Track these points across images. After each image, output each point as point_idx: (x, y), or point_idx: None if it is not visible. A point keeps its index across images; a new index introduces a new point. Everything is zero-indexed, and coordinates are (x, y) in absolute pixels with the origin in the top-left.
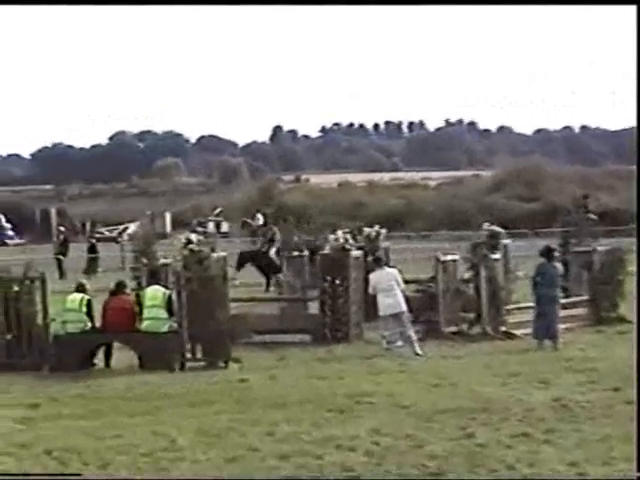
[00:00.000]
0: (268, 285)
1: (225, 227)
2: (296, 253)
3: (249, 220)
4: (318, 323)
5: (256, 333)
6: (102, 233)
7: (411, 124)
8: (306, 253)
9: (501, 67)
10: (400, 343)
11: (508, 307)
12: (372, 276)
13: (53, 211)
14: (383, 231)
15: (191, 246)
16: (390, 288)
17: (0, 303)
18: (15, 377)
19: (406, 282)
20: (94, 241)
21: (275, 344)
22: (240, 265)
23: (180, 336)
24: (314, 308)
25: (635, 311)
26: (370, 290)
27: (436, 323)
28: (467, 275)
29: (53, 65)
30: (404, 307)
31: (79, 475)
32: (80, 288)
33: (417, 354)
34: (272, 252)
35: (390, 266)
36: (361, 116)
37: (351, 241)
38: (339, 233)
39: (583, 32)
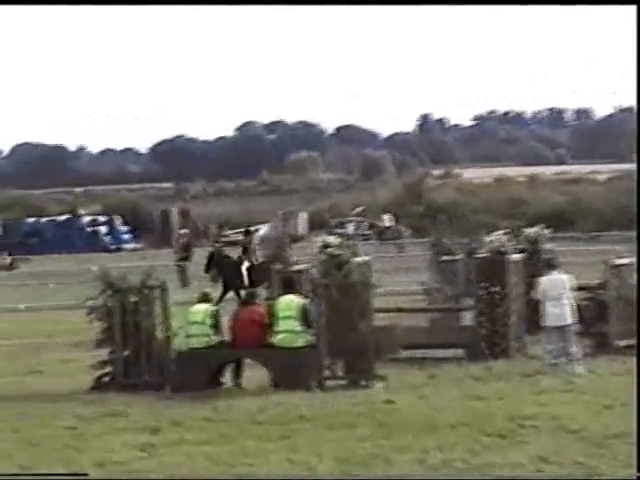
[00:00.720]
0: None
1: (366, 228)
2: (448, 257)
3: (376, 221)
4: (473, 336)
5: (403, 348)
6: (229, 236)
7: (577, 112)
8: (459, 257)
9: None
10: (564, 359)
11: None
12: (542, 280)
13: (174, 212)
14: (546, 232)
15: (329, 250)
16: (559, 297)
17: (116, 315)
18: (133, 398)
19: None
20: (220, 245)
21: (425, 360)
22: None
23: (318, 351)
24: (468, 319)
25: (635, 314)
26: (538, 296)
27: (606, 335)
28: None
29: (164, 51)
30: (571, 319)
31: (86, 475)
32: (205, 298)
33: (577, 374)
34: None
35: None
36: (518, 103)
37: (510, 243)
38: (496, 234)
39: (583, 32)
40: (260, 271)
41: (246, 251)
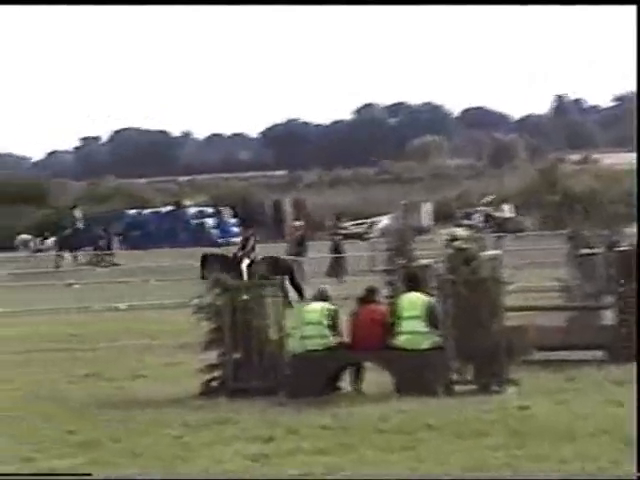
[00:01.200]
0: None
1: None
2: (586, 251)
3: (493, 212)
4: (615, 337)
5: (537, 349)
6: (347, 228)
7: None
8: (599, 251)
9: None
10: None
11: None
12: None
13: (287, 202)
14: None
15: (457, 243)
16: None
17: (226, 315)
18: (245, 404)
19: None
20: (338, 238)
21: (561, 362)
22: None
23: (445, 353)
24: (609, 318)
25: (635, 313)
26: None
27: None
28: None
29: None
30: None
31: (89, 475)
32: (322, 296)
33: None
34: None
35: None
36: None
37: None
38: None
39: (583, 32)
40: (262, 267)
41: (244, 247)
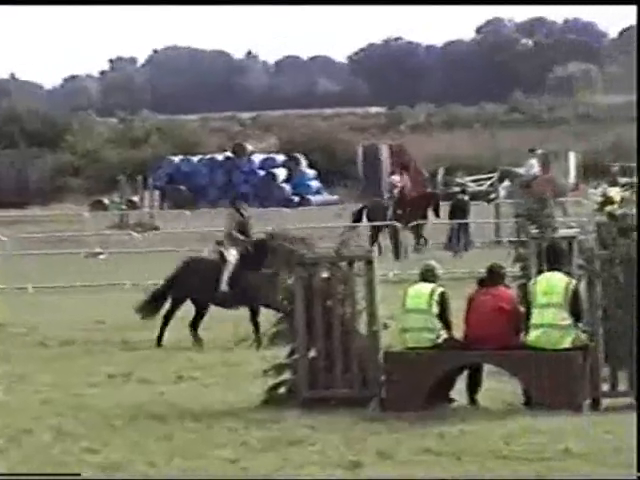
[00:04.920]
0: None
1: None
2: None
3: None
4: None
5: None
6: (465, 185)
7: None
8: None
9: None
10: None
11: None
12: None
13: (384, 149)
14: None
15: (610, 207)
16: None
17: (298, 300)
18: (324, 418)
19: None
20: (463, 197)
21: None
22: None
23: (593, 355)
24: None
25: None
26: None
27: None
28: None
29: None
30: None
31: (78, 475)
32: (428, 275)
33: None
34: None
35: None
36: None
37: None
38: None
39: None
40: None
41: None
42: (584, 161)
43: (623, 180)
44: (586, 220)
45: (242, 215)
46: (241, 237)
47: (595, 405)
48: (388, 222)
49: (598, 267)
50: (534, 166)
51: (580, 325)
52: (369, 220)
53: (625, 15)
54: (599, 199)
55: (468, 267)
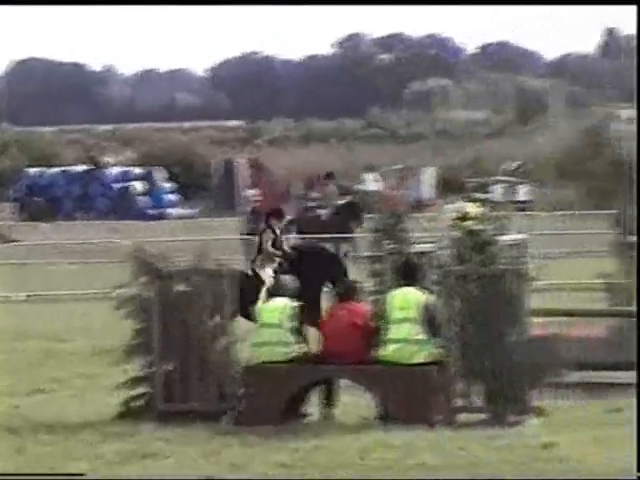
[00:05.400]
0: None
1: (525, 193)
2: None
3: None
4: None
5: (572, 368)
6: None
7: None
8: None
9: None
10: None
11: None
12: None
13: (240, 163)
14: None
15: (467, 223)
16: None
17: (156, 312)
18: (180, 431)
19: None
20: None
21: (604, 386)
22: None
23: (447, 370)
24: None
25: (635, 311)
26: None
27: None
28: None
29: None
30: None
31: (82, 475)
32: (283, 289)
33: None
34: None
35: None
36: None
37: None
38: None
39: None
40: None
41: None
42: (442, 176)
43: (480, 196)
44: (442, 235)
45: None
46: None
47: (450, 420)
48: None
49: (453, 282)
50: (371, 182)
51: (435, 340)
52: (300, 233)
53: (484, 30)
54: (456, 214)
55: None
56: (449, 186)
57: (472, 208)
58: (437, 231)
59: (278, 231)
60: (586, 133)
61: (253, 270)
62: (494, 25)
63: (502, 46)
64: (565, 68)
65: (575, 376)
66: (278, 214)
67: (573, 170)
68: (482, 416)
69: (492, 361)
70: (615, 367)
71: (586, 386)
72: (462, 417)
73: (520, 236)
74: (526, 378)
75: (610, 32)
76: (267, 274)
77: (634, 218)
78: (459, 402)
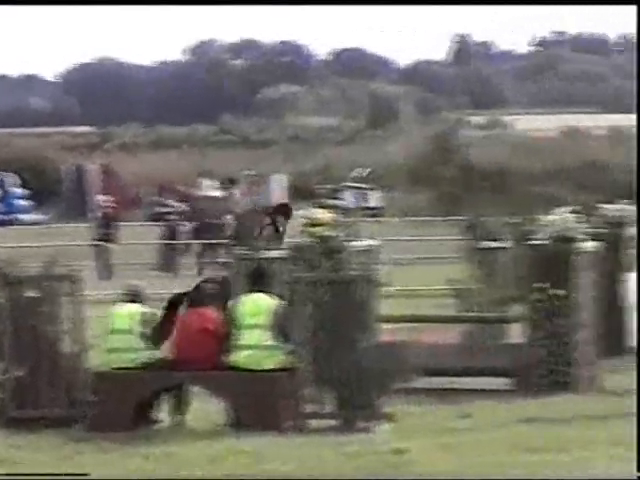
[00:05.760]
0: None
1: (375, 200)
2: (490, 244)
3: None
4: (524, 359)
5: (423, 374)
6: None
7: None
8: (507, 244)
9: None
10: None
11: None
12: (630, 278)
13: (93, 169)
14: (633, 210)
15: (317, 229)
16: None
17: (5, 318)
18: (31, 437)
19: None
20: (173, 219)
21: (454, 392)
22: None
23: (298, 376)
24: (518, 334)
25: (635, 311)
26: (624, 303)
27: None
28: None
29: None
30: None
31: (86, 475)
32: (134, 295)
33: None
34: None
35: None
36: (598, 21)
37: (581, 226)
38: (561, 212)
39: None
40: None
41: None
42: (293, 183)
43: (330, 202)
44: (294, 241)
45: None
46: None
47: (300, 426)
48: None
49: (303, 288)
50: (209, 188)
51: (285, 346)
52: (236, 236)
53: (338, 36)
54: (306, 220)
55: (181, 287)
56: (300, 192)
57: (322, 214)
58: (289, 237)
59: (280, 227)
60: (436, 139)
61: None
62: (348, 31)
63: (355, 52)
64: (417, 75)
65: (426, 382)
66: (284, 211)
67: (424, 176)
68: (333, 422)
69: (342, 367)
70: (465, 373)
71: (437, 392)
72: (313, 423)
73: (371, 242)
74: (375, 384)
75: (461, 38)
76: None
77: (485, 224)
78: (310, 408)
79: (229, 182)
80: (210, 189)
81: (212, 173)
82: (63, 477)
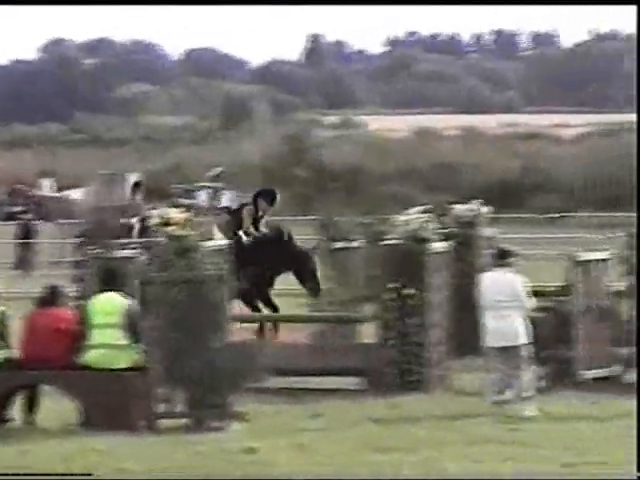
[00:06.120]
0: None
1: (228, 199)
2: (342, 244)
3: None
4: (376, 359)
5: (275, 374)
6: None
7: (535, 37)
8: (358, 244)
9: None
10: (511, 395)
11: None
12: (484, 278)
13: None
14: (485, 210)
15: (170, 229)
16: (503, 305)
17: None
18: None
19: None
20: (27, 218)
21: (307, 392)
22: None
23: (149, 376)
24: (370, 334)
25: (635, 311)
26: (480, 303)
27: (570, 362)
28: (622, 285)
29: None
30: (521, 338)
31: (89, 475)
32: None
33: (527, 417)
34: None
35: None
36: (452, 22)
37: (433, 226)
38: (413, 212)
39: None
40: None
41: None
42: (146, 182)
43: (183, 202)
44: (146, 241)
45: None
46: None
47: (151, 425)
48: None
49: (156, 288)
50: (47, 188)
51: (137, 346)
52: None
53: (192, 36)
54: (159, 220)
55: (33, 287)
56: (153, 192)
57: (175, 214)
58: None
59: (261, 212)
60: (289, 139)
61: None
62: (202, 31)
63: (208, 52)
64: (270, 74)
65: (278, 382)
66: (269, 197)
67: (277, 176)
68: (185, 421)
69: (194, 366)
70: (317, 373)
71: (289, 392)
72: (165, 422)
73: (223, 242)
74: (227, 384)
75: (315, 38)
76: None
77: (338, 224)
78: (162, 407)
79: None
80: (48, 189)
81: (54, 173)
82: (63, 477)
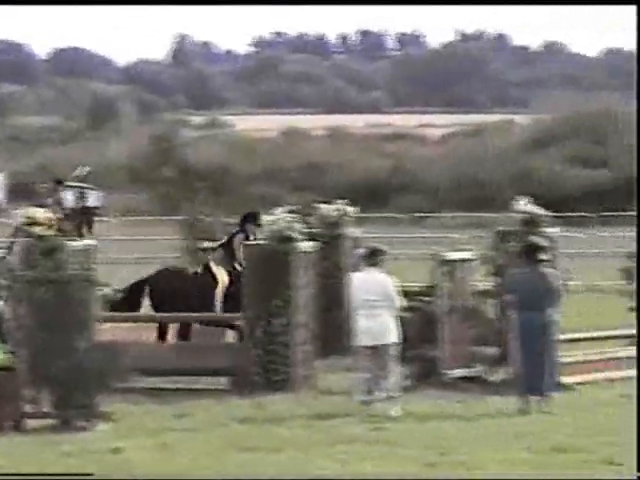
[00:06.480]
0: None
1: (94, 199)
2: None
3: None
4: (241, 358)
5: (141, 374)
6: None
7: (401, 37)
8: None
9: None
10: (379, 394)
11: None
12: (354, 278)
13: None
14: (351, 210)
15: (36, 229)
16: (374, 304)
17: None
18: None
19: None
20: None
21: (172, 392)
22: None
23: (16, 376)
24: (234, 334)
25: (635, 311)
26: (350, 303)
27: (435, 362)
28: (487, 285)
29: None
30: (392, 337)
31: (90, 475)
32: None
33: (392, 416)
34: None
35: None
36: (318, 22)
37: (298, 225)
38: (279, 212)
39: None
40: None
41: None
42: (12, 181)
43: (49, 201)
44: (12, 240)
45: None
46: None
47: (17, 426)
48: None
49: (22, 287)
50: None
51: (4, 346)
52: None
53: (58, 36)
54: (23, 220)
55: None
56: (19, 191)
57: (41, 213)
58: (6, 237)
59: (252, 236)
60: (156, 139)
61: (207, 268)
62: (68, 31)
63: (75, 52)
64: (137, 74)
65: (145, 382)
66: (254, 218)
67: (144, 176)
68: (51, 421)
69: (59, 367)
70: (183, 373)
71: (155, 392)
72: (32, 423)
73: (89, 242)
74: (93, 384)
75: (181, 38)
76: (222, 275)
77: (202, 224)
78: (28, 408)
79: None
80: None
81: None
82: (64, 477)
